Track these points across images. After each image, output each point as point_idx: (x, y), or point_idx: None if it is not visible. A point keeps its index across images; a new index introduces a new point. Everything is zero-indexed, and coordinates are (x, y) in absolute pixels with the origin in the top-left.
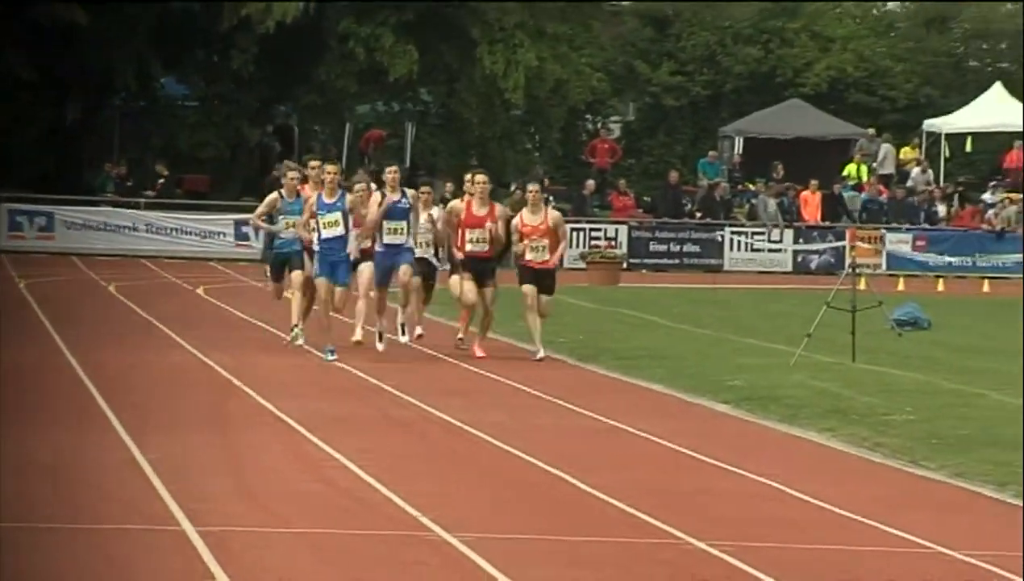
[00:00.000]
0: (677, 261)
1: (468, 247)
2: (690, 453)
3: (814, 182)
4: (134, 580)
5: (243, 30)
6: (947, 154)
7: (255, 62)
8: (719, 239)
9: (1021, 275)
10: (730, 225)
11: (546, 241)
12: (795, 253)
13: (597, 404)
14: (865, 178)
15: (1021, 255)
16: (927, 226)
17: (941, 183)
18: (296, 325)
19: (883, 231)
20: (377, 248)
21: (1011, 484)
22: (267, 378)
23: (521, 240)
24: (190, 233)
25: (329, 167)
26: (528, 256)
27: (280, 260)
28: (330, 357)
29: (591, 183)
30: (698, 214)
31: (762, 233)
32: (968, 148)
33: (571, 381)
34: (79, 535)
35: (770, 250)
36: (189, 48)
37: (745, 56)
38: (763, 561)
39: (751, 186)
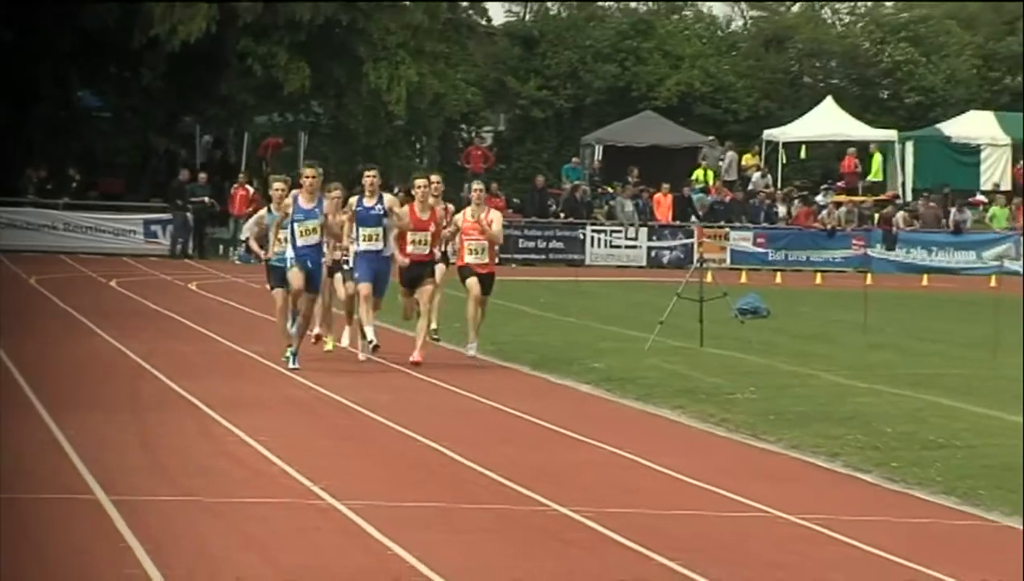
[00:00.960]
0: (544, 256)
1: (409, 249)
2: (557, 429)
3: (666, 186)
4: (51, 544)
5: (152, 48)
6: (784, 161)
7: (163, 78)
8: (581, 237)
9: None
10: (591, 224)
11: (486, 243)
12: (649, 249)
13: (474, 386)
14: (711, 182)
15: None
16: (767, 225)
17: (779, 187)
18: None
19: (727, 229)
20: (356, 250)
21: (841, 455)
22: (175, 363)
23: (455, 235)
24: (104, 231)
25: (307, 170)
26: (468, 259)
27: (279, 273)
28: (291, 364)
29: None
30: (562, 214)
31: (620, 231)
32: (803, 155)
33: (450, 365)
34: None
35: (627, 246)
36: (104, 64)
37: (604, 72)
38: (622, 525)
39: (610, 189)
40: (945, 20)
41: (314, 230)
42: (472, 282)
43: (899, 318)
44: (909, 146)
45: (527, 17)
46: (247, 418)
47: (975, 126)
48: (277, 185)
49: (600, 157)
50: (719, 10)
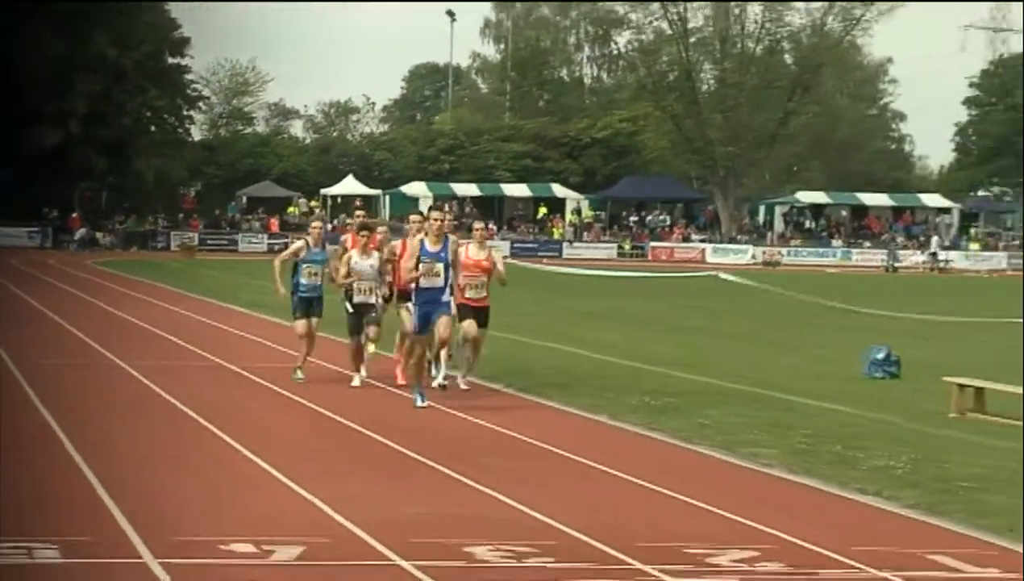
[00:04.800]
0: (221, 249)
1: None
2: (231, 330)
3: (276, 217)
4: None
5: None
6: (330, 204)
7: (35, 165)
8: (238, 240)
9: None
10: (241, 234)
11: (485, 278)
12: (270, 245)
13: (228, 320)
14: (300, 212)
15: None
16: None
17: (334, 220)
18: (300, 366)
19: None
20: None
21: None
22: (49, 302)
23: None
24: (4, 236)
25: (435, 214)
26: (468, 294)
27: (304, 303)
28: (421, 403)
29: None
30: (229, 228)
31: (256, 238)
32: (339, 201)
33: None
34: None
35: (256, 245)
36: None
37: (246, 163)
38: (266, 375)
39: (250, 217)
40: (404, 140)
41: (437, 273)
42: (468, 325)
43: None
44: (387, 198)
45: (211, 135)
46: (89, 330)
47: (416, 189)
48: (315, 224)
49: (245, 202)
50: (299, 132)
